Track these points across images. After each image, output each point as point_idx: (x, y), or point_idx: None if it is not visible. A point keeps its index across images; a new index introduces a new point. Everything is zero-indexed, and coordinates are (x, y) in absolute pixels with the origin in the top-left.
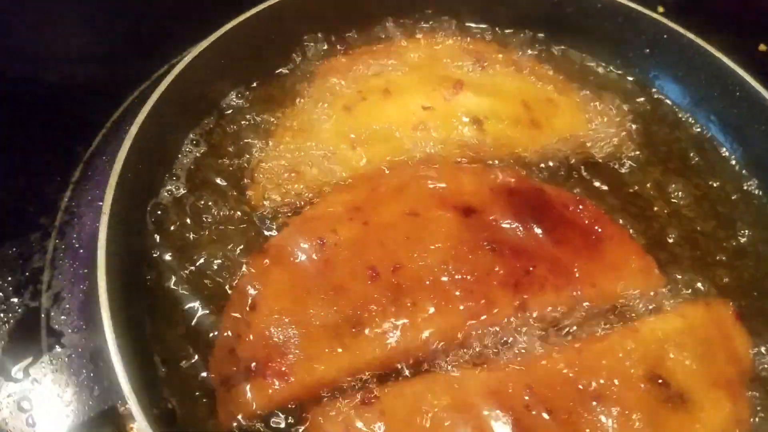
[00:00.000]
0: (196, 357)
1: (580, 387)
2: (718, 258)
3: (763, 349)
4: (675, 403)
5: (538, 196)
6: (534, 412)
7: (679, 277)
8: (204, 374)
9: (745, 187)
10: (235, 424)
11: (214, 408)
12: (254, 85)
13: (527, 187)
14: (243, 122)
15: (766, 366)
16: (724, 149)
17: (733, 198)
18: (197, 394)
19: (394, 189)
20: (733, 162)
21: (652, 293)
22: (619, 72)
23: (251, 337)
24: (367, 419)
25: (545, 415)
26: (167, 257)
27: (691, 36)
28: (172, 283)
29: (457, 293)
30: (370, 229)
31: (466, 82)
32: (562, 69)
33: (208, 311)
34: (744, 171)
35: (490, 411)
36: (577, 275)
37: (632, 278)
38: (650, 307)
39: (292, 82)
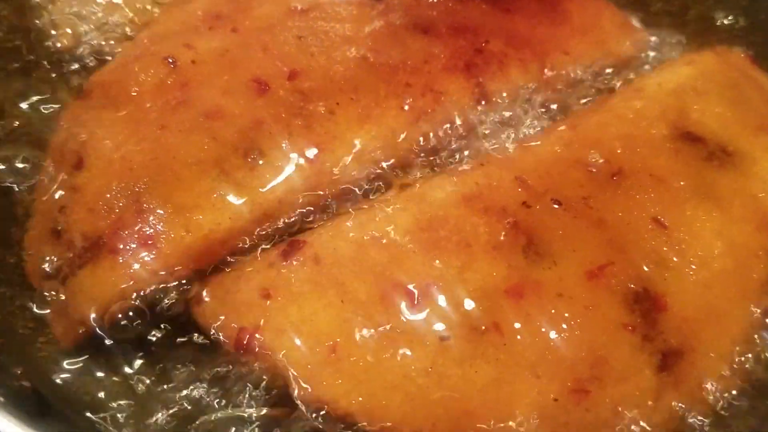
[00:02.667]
0: None
1: (592, 168)
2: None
3: None
4: (719, 159)
5: None
6: (538, 207)
7: (665, 31)
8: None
9: None
10: (80, 332)
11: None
12: None
13: None
14: None
15: None
16: None
17: None
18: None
19: None
20: None
21: (639, 50)
22: None
23: (83, 203)
24: (298, 273)
25: (555, 206)
26: None
27: None
28: None
29: (389, 89)
30: (243, 36)
31: None
32: None
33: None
34: None
35: (475, 220)
36: (542, 44)
37: (611, 37)
38: (645, 65)
39: None
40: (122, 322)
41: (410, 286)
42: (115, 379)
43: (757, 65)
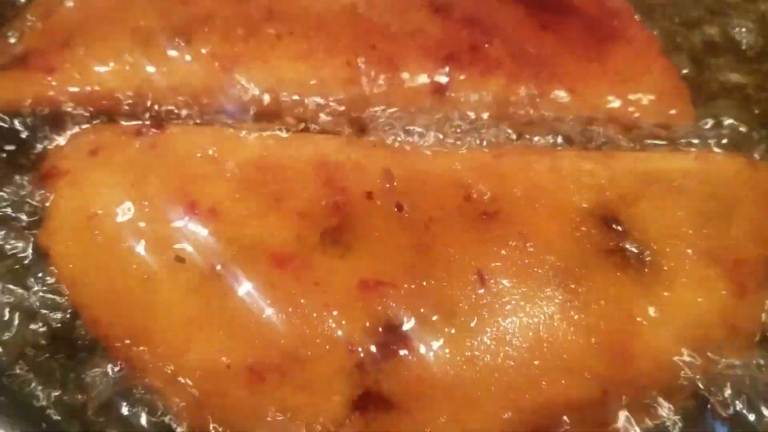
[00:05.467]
0: None
1: (472, 196)
2: None
3: None
4: (623, 260)
5: None
6: (378, 203)
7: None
8: None
9: None
10: None
11: None
12: None
13: None
14: None
15: None
16: None
17: None
18: None
19: None
20: None
21: (664, 124)
22: None
23: (46, 23)
24: (130, 148)
25: (392, 210)
26: None
27: None
28: None
29: (351, 41)
30: None
31: None
32: None
33: None
34: None
35: (309, 184)
36: (554, 72)
37: (645, 101)
38: (653, 141)
39: None
40: None
41: (196, 205)
42: None
43: None
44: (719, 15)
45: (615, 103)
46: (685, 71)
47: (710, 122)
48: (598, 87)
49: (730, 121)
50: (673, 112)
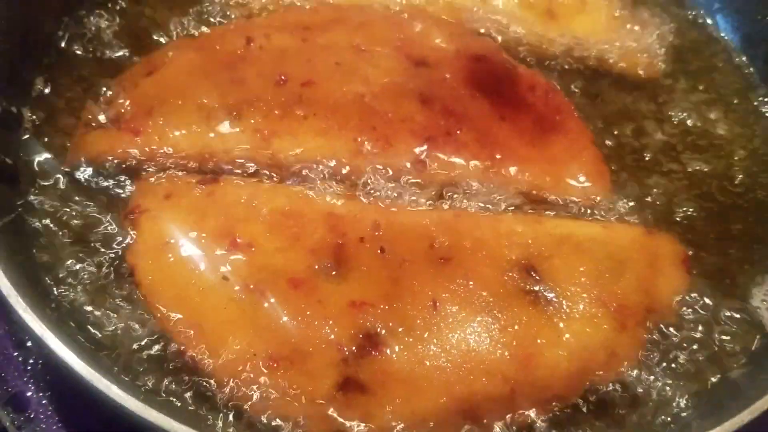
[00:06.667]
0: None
1: (435, 245)
2: (693, 205)
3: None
4: (535, 299)
5: (505, 71)
6: (367, 246)
7: (630, 201)
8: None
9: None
10: (80, 160)
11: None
12: None
13: (497, 60)
14: None
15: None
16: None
17: (745, 148)
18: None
19: (355, 23)
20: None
21: (586, 199)
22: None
23: (132, 94)
24: (193, 195)
25: (377, 252)
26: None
27: None
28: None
29: (358, 124)
30: (306, 46)
31: None
32: None
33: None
34: None
35: (319, 229)
36: (507, 154)
37: (573, 180)
38: (575, 211)
39: None
40: None
41: (239, 239)
42: None
43: (686, 266)
44: (636, 117)
45: (549, 181)
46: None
47: (623, 200)
48: (538, 167)
49: (638, 200)
50: (593, 190)
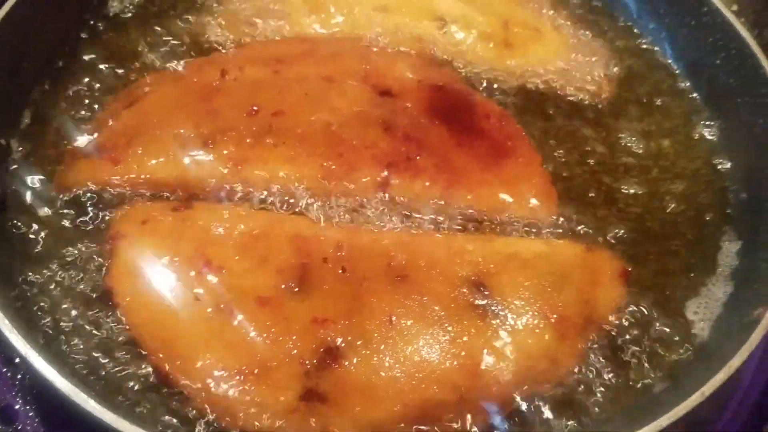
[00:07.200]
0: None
1: (392, 263)
2: (634, 224)
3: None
4: (483, 313)
5: (462, 99)
6: (330, 266)
7: (576, 220)
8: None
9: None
10: (66, 189)
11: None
12: None
13: (455, 89)
14: None
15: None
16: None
17: (685, 169)
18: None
19: (325, 54)
20: (710, 137)
21: (534, 219)
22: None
23: (113, 125)
24: (168, 220)
25: (339, 271)
26: None
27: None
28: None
29: (324, 151)
30: (277, 77)
31: None
32: (577, 10)
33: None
34: (718, 146)
35: (286, 251)
36: (463, 178)
37: (523, 201)
38: (525, 230)
39: None
40: None
41: (210, 262)
42: None
43: (624, 280)
44: (584, 141)
45: (501, 202)
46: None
47: (568, 219)
48: (491, 189)
49: (582, 219)
50: (542, 209)
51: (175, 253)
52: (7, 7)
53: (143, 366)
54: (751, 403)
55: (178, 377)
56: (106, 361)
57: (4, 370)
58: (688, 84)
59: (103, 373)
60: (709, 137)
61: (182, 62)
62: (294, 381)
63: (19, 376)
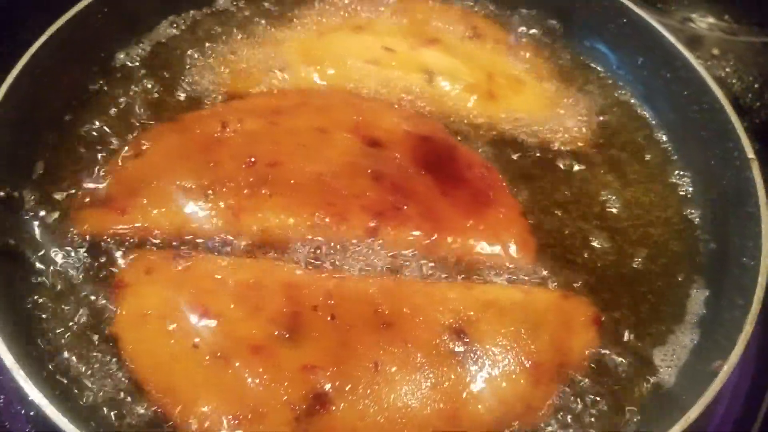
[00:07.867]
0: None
1: (378, 310)
2: (609, 270)
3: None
4: (463, 359)
5: (447, 149)
6: (320, 313)
7: (552, 267)
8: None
9: (679, 218)
10: (75, 238)
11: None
12: None
13: (440, 139)
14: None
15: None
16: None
17: (658, 218)
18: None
19: (318, 106)
20: (683, 188)
21: (513, 266)
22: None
23: (120, 176)
24: (170, 270)
25: (328, 319)
26: None
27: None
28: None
29: (316, 201)
30: (274, 129)
31: (443, 43)
32: (558, 61)
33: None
34: (690, 196)
35: (278, 299)
36: (446, 226)
37: (503, 248)
38: (504, 277)
39: None
40: None
41: (208, 310)
42: None
43: (597, 326)
44: (562, 189)
45: (482, 250)
46: (536, 230)
47: (545, 267)
48: (472, 237)
49: (558, 267)
50: (520, 258)
51: (176, 302)
52: (22, 62)
53: (146, 409)
54: None
55: (178, 421)
56: (111, 404)
57: (19, 407)
58: (663, 136)
59: (106, 414)
60: (682, 188)
61: (186, 114)
62: (285, 426)
63: (32, 414)
